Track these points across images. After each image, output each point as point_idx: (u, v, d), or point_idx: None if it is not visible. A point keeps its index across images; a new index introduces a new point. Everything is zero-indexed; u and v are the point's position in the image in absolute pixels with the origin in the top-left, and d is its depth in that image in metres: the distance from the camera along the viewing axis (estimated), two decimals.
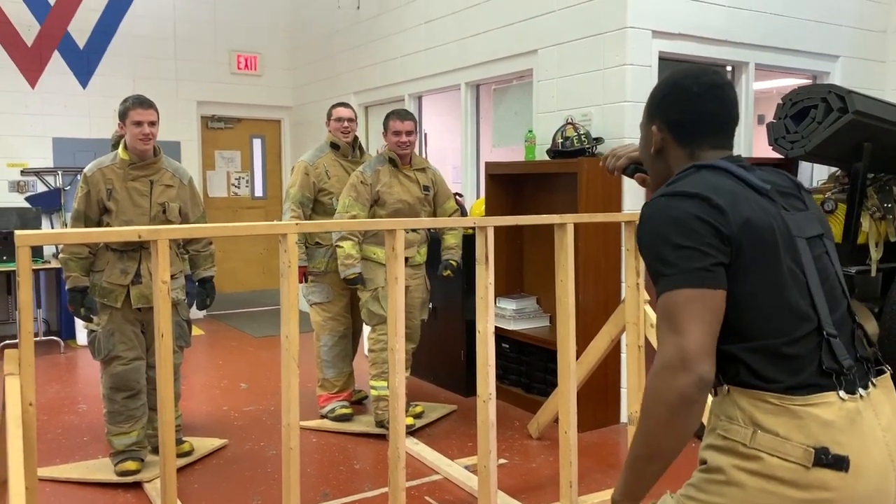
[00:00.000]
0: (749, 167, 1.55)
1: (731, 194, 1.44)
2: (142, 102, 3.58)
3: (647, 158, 1.69)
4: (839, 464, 1.36)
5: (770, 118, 4.53)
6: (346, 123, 4.57)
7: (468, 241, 4.37)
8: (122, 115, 3.59)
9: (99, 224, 3.59)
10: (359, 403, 4.78)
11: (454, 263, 4.36)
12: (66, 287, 3.56)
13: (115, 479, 3.61)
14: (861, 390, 1.42)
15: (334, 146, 4.55)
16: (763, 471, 1.38)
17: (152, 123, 3.58)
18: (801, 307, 1.44)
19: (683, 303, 1.37)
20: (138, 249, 3.57)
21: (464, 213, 5.18)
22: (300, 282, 4.40)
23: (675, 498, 1.50)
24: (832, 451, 1.36)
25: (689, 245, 1.39)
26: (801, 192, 1.60)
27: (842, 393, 1.40)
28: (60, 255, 3.60)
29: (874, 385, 1.46)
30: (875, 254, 4.42)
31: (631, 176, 1.95)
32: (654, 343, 3.38)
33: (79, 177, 3.69)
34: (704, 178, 1.49)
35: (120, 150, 3.64)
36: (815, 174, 5.38)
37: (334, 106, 4.68)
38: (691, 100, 1.58)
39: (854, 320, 1.52)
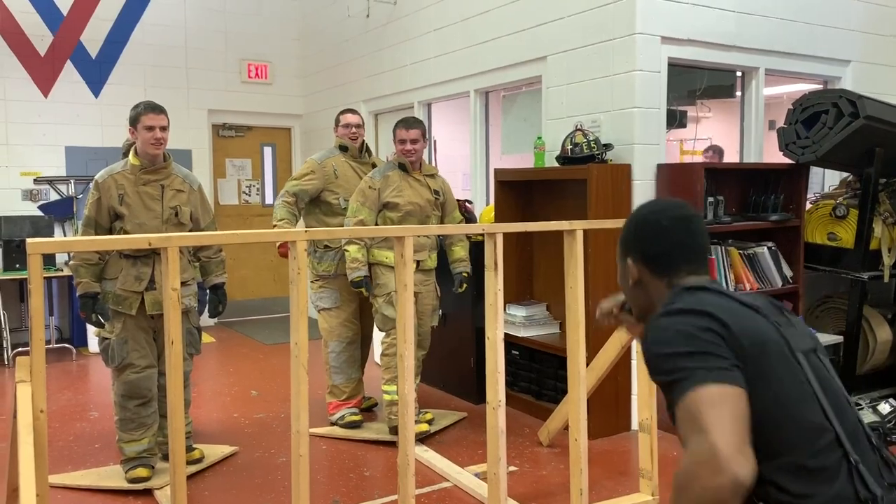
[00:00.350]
0: (731, 292, 1.59)
1: (729, 310, 1.45)
2: (153, 108, 3.62)
3: (627, 289, 1.76)
4: None
5: (781, 123, 4.52)
6: (353, 129, 4.62)
7: (477, 248, 4.37)
8: (134, 121, 3.62)
9: (110, 231, 3.61)
10: (368, 411, 4.78)
11: (466, 275, 4.37)
12: (77, 293, 3.58)
13: (125, 485, 3.62)
14: None
15: (343, 148, 4.60)
16: None
17: (163, 128, 3.62)
18: (816, 417, 1.41)
19: (708, 401, 1.30)
20: (151, 255, 3.59)
21: (472, 221, 5.18)
22: (284, 255, 4.34)
23: None
24: None
25: (701, 351, 1.38)
26: (784, 312, 1.61)
27: None
28: (71, 262, 3.62)
29: None
30: (888, 259, 4.39)
31: (629, 312, 1.93)
32: None
33: (90, 185, 3.71)
34: (700, 297, 1.52)
35: (131, 156, 3.67)
36: (826, 179, 5.36)
37: (342, 112, 4.73)
38: (661, 233, 1.65)
39: (869, 437, 1.49)
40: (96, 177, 3.65)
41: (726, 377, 1.34)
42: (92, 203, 3.60)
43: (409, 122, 4.27)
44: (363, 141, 4.70)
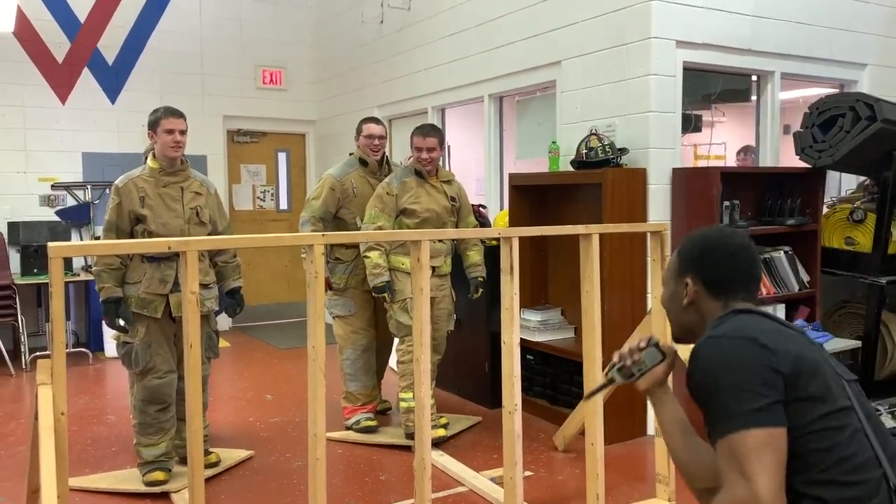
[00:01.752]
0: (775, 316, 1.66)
1: (775, 333, 1.52)
2: (172, 112, 3.69)
3: (676, 308, 1.79)
4: None
5: (797, 128, 4.50)
6: (376, 141, 4.49)
7: (492, 252, 4.37)
8: (153, 125, 3.67)
9: (131, 235, 3.65)
10: (383, 414, 4.79)
11: (481, 280, 4.36)
12: (101, 299, 3.61)
13: (143, 489, 3.64)
14: None
15: (363, 162, 4.52)
16: None
17: (182, 132, 3.68)
18: (858, 435, 1.47)
19: (752, 446, 1.40)
20: (174, 257, 3.62)
21: (486, 226, 5.18)
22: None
23: None
24: None
25: (745, 388, 1.44)
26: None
27: None
28: (94, 268, 3.66)
29: None
30: None
31: (657, 347, 1.84)
32: (680, 353, 3.35)
33: (108, 191, 3.76)
34: (746, 321, 1.58)
35: (149, 160, 3.72)
36: (843, 183, 5.32)
37: (365, 121, 4.57)
38: (728, 259, 1.70)
39: None
40: (116, 182, 3.68)
41: (769, 419, 1.42)
42: (113, 208, 3.64)
43: (426, 131, 4.23)
44: (384, 154, 4.59)
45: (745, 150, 6.32)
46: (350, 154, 4.67)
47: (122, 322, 3.59)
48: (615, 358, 1.89)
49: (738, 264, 1.70)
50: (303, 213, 4.50)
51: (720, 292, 1.69)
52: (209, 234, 3.77)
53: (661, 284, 3.35)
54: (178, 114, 3.69)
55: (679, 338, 1.82)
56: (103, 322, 3.99)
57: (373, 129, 4.52)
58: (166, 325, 3.67)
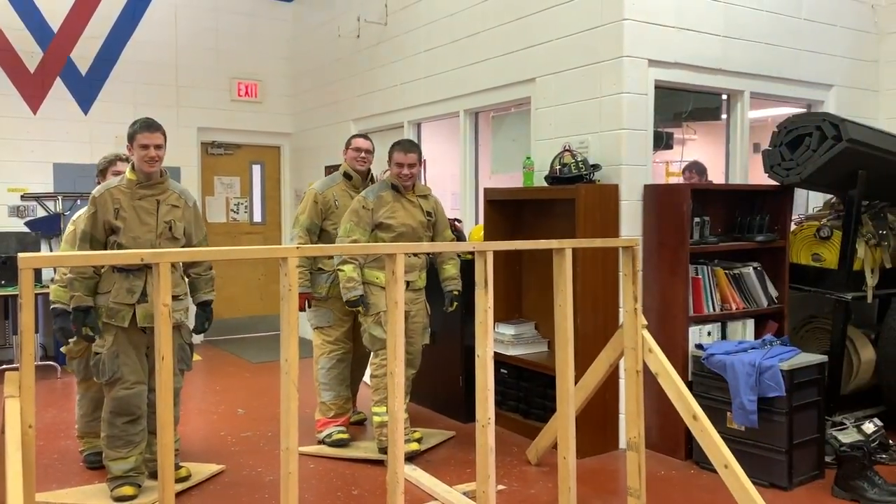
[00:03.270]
0: None
1: None
2: (148, 126, 3.64)
3: None
4: None
5: (765, 146, 4.59)
6: (363, 154, 4.64)
7: (467, 266, 4.39)
8: (130, 138, 3.66)
9: (105, 245, 3.62)
10: (358, 424, 4.78)
11: (456, 293, 4.38)
12: (71, 306, 3.57)
13: None
14: None
15: (347, 176, 4.62)
16: None
17: (158, 146, 3.64)
18: None
19: None
20: (144, 269, 3.60)
21: (462, 240, 5.21)
22: (302, 309, 4.43)
23: None
24: None
25: None
26: None
27: None
28: (66, 276, 3.63)
29: None
30: (871, 280, 4.44)
31: None
32: (651, 367, 3.39)
33: (79, 202, 3.74)
34: None
35: (128, 171, 3.70)
36: (810, 201, 5.43)
37: (353, 137, 4.77)
38: None
39: None
40: (93, 192, 3.66)
41: None
42: (88, 217, 3.62)
43: (406, 146, 4.28)
44: (369, 169, 4.72)
45: (690, 168, 6.01)
46: (327, 167, 4.71)
47: (90, 331, 3.55)
48: None
49: None
50: (292, 229, 4.62)
51: None
52: (182, 248, 3.75)
53: (631, 297, 3.39)
54: (153, 128, 3.64)
55: None
56: (58, 333, 4.00)
57: (360, 143, 4.67)
58: (135, 336, 3.64)
